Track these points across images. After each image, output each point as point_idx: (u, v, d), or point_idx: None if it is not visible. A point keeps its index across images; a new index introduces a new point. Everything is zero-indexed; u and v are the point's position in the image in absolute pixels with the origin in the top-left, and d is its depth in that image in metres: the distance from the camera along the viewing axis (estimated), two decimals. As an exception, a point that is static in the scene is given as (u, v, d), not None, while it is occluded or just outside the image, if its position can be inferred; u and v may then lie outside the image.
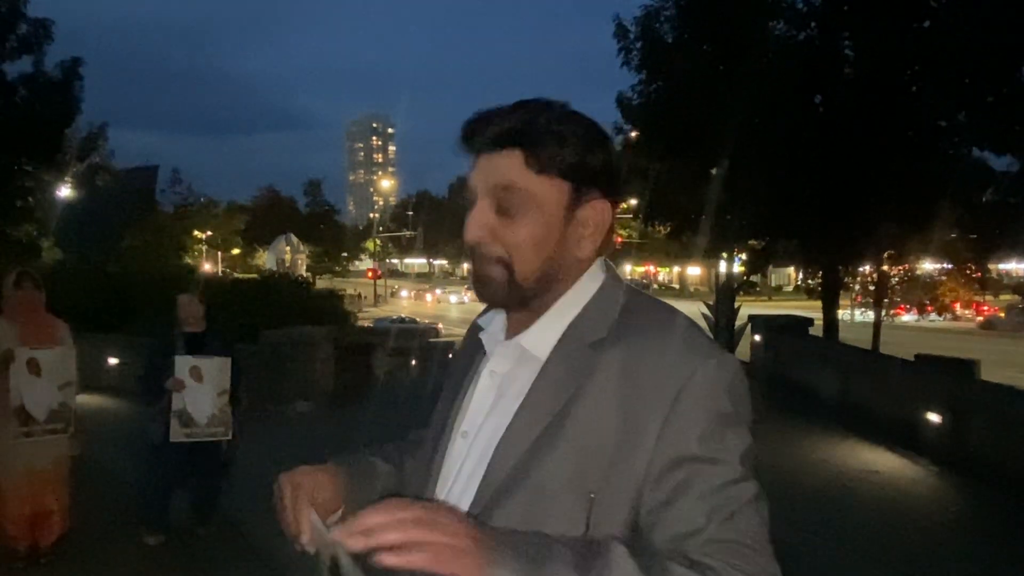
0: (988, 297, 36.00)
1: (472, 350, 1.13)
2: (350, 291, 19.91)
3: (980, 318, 37.50)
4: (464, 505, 0.97)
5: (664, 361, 0.93)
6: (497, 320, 1.10)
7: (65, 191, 20.99)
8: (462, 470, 1.01)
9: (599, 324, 0.99)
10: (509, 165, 0.98)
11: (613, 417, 0.92)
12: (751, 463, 0.92)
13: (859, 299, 24.92)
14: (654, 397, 0.92)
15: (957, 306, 33.15)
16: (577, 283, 1.03)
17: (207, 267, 46.15)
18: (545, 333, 1.01)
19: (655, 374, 0.93)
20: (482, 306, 1.19)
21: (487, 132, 0.99)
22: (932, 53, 11.08)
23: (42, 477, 4.12)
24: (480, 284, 1.02)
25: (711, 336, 1.03)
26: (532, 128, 0.98)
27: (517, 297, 1.01)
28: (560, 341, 1.00)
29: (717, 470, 0.89)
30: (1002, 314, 36.88)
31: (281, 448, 6.98)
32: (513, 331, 1.06)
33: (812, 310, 14.59)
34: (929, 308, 28.35)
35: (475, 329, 1.15)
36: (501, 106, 1.01)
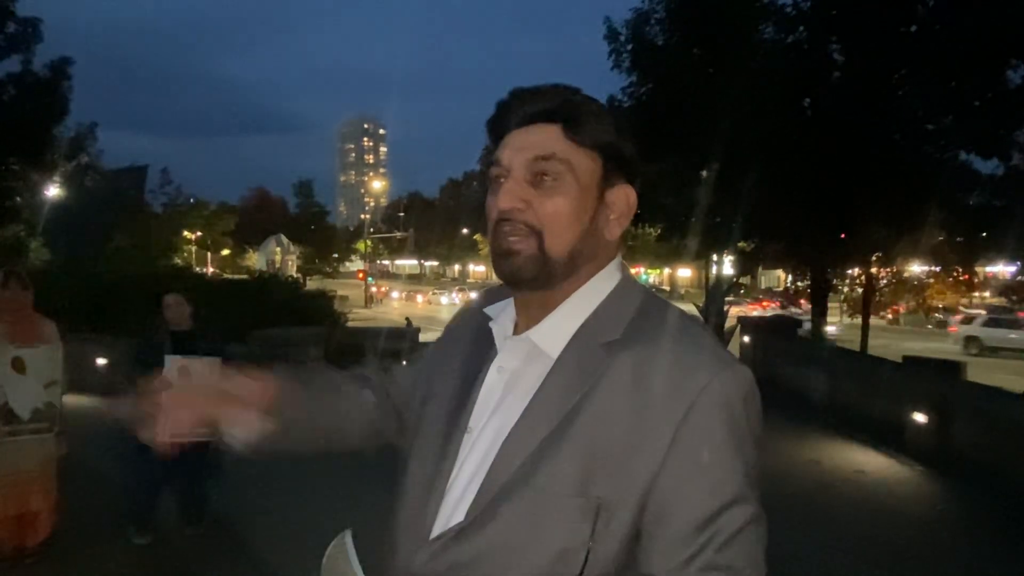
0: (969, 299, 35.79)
1: (478, 339, 1.09)
2: (341, 293, 19.88)
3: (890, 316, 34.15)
4: (463, 506, 0.94)
5: (678, 368, 0.91)
6: (506, 312, 1.07)
7: (53, 191, 20.85)
8: (463, 469, 0.98)
9: (613, 324, 0.97)
10: (548, 137, 0.98)
11: (623, 422, 0.89)
12: (755, 480, 0.89)
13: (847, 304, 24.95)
14: (667, 404, 0.89)
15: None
16: (593, 280, 1.01)
17: (207, 269, 45.77)
18: (557, 330, 0.99)
19: (669, 380, 0.90)
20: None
21: (524, 108, 1.00)
22: (919, 57, 11.17)
23: (28, 477, 4.10)
24: (506, 257, 0.98)
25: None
26: (570, 104, 1.00)
27: (545, 273, 0.98)
28: (572, 340, 0.97)
29: (721, 489, 0.87)
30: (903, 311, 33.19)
31: (270, 449, 6.96)
32: (523, 326, 1.03)
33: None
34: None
35: (479, 316, 1.11)
36: (537, 86, 1.02)
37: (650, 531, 0.87)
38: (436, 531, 0.96)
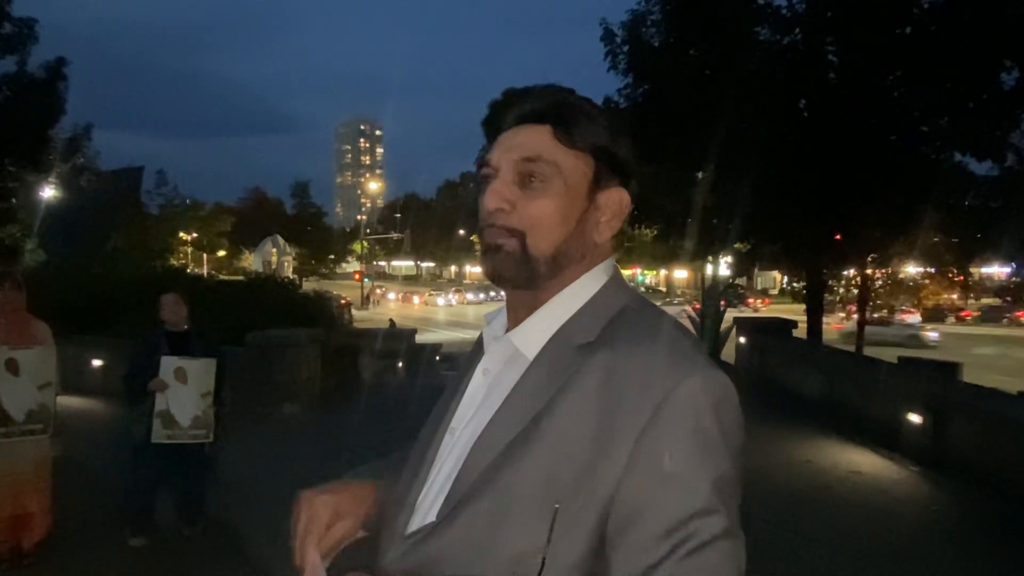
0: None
1: (478, 347, 1.11)
2: (336, 293, 19.98)
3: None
4: (437, 505, 0.95)
5: (648, 371, 0.88)
6: (500, 316, 1.07)
7: (49, 192, 20.80)
8: (442, 468, 0.99)
9: (590, 326, 0.95)
10: (537, 138, 0.98)
11: (590, 425, 0.87)
12: (728, 494, 0.84)
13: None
14: (633, 408, 0.86)
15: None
16: (578, 282, 1.00)
17: (203, 271, 45.69)
18: (537, 331, 0.98)
19: (637, 384, 0.87)
20: (473, 309, 1.18)
21: (516, 109, 1.01)
22: (914, 59, 11.20)
23: (23, 479, 4.09)
24: (490, 255, 0.98)
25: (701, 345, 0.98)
26: (562, 106, 0.99)
27: (527, 272, 0.97)
28: (549, 342, 0.96)
29: (686, 497, 0.82)
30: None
31: (267, 451, 6.96)
32: (510, 328, 1.02)
33: (796, 314, 14.70)
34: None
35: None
36: (529, 87, 1.03)
37: (613, 538, 0.84)
38: (411, 528, 0.97)
